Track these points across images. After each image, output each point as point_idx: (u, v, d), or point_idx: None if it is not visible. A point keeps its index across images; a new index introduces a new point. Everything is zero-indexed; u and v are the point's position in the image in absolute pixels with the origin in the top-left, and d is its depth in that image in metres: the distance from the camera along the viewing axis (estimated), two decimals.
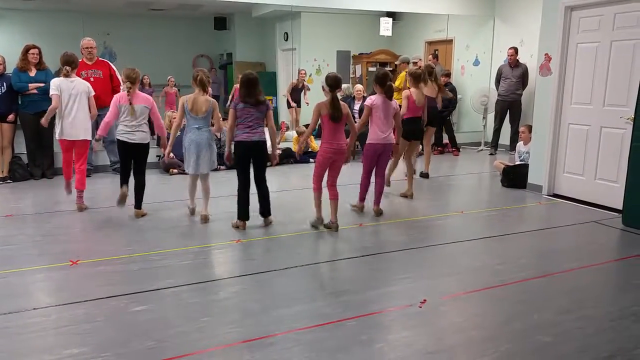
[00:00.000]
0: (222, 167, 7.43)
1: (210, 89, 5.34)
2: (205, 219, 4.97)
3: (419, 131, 6.12)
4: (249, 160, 4.72)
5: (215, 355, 2.68)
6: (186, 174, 5.31)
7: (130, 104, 4.91)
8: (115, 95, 5.11)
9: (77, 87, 5.25)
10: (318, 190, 4.75)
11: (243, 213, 4.76)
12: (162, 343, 2.76)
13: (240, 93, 4.65)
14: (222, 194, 5.77)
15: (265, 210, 4.87)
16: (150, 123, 5.18)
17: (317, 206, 4.77)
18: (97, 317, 3.04)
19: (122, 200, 5.07)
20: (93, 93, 5.39)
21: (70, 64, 5.24)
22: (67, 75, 5.22)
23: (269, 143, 4.92)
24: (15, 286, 3.49)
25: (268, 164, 4.89)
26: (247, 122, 4.61)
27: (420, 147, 7.22)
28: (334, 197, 4.75)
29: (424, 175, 7.20)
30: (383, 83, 5.04)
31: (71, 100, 5.21)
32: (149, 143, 5.17)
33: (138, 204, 5.16)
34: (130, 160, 5.14)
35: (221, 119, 5.32)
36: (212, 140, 5.01)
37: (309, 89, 10.14)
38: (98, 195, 5.96)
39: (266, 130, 4.84)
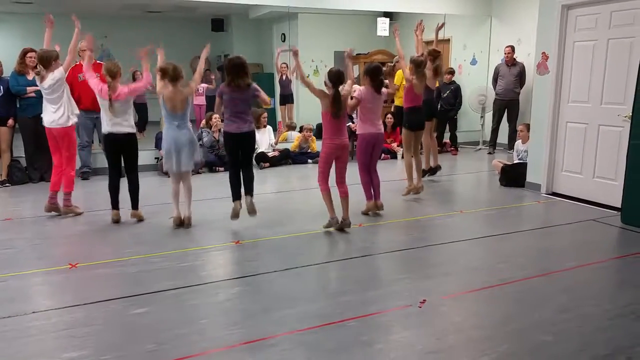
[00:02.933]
0: (220, 169, 7.44)
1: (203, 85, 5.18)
2: (188, 222, 4.84)
3: (421, 120, 5.99)
4: (239, 149, 4.79)
5: (216, 357, 2.68)
6: None
7: (110, 99, 4.70)
8: (100, 83, 4.80)
9: (46, 82, 4.98)
10: (325, 190, 4.69)
11: (236, 194, 4.84)
12: (162, 345, 2.76)
13: (226, 79, 4.59)
14: (221, 195, 5.76)
15: (248, 190, 4.86)
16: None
17: (329, 207, 4.69)
18: (96, 320, 3.04)
19: (115, 220, 5.01)
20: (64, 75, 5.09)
21: (42, 62, 4.98)
22: (41, 77, 4.98)
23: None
24: (14, 290, 3.49)
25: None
26: (235, 112, 4.64)
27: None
28: (344, 194, 4.75)
29: (433, 169, 6.98)
30: (375, 75, 4.97)
31: (44, 94, 5.06)
32: (135, 135, 5.03)
33: (134, 204, 5.07)
34: (119, 158, 4.96)
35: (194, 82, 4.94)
36: (194, 137, 4.89)
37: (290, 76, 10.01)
38: (96, 198, 5.95)
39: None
